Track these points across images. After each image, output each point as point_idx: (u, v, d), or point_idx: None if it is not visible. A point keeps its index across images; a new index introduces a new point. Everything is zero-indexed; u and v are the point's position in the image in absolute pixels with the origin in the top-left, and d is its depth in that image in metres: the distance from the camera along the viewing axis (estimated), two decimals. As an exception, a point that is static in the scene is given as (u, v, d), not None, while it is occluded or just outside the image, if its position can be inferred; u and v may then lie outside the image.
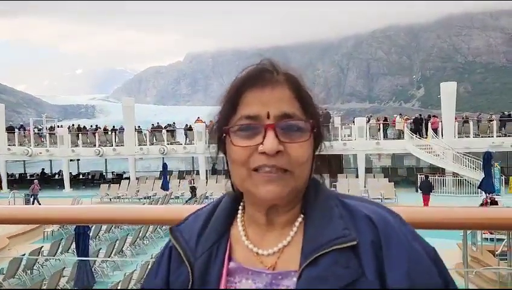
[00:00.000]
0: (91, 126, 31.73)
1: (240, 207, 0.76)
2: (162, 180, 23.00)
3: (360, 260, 0.65)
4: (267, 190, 0.68)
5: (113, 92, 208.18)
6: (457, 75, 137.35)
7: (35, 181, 22.76)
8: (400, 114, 27.34)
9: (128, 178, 27.00)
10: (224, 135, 0.71)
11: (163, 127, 28.98)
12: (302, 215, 0.72)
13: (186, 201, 20.86)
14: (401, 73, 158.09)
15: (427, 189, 19.06)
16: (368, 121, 26.23)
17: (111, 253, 11.21)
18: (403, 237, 0.67)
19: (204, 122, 28.47)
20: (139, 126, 28.78)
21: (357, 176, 24.14)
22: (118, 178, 28.59)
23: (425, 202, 18.55)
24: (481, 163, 19.75)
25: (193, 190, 21.44)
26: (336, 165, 23.41)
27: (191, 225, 0.76)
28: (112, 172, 31.63)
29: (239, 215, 0.75)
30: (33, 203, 21.38)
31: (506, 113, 27.03)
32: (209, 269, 0.71)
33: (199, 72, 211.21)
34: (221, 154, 0.75)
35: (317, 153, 0.73)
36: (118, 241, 11.69)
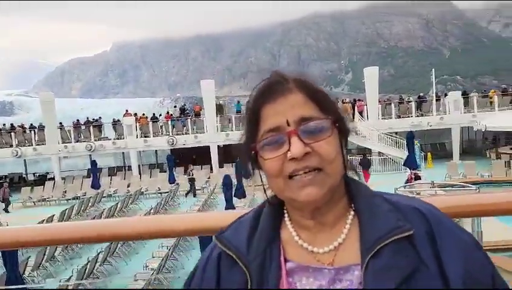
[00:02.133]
0: (4, 125, 29.07)
1: (285, 212, 0.78)
2: (91, 179, 21.79)
3: (417, 249, 0.69)
4: (305, 193, 0.70)
5: (33, 87, 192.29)
6: (381, 59, 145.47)
7: (5, 184, 20.48)
8: (343, 100, 28.21)
9: (53, 179, 25.25)
10: (253, 152, 0.74)
11: (90, 121, 27.38)
12: (352, 212, 0.74)
13: (186, 194, 19.87)
14: (330, 59, 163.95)
15: (366, 165, 20.47)
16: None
17: (41, 260, 10.41)
18: (450, 227, 0.72)
19: (135, 114, 27.36)
20: (60, 123, 26.90)
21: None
22: (41, 179, 26.61)
23: (365, 176, 19.93)
24: (402, 141, 21.11)
25: (192, 181, 20.27)
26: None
27: (235, 232, 0.78)
28: (34, 173, 29.33)
29: (286, 219, 0.78)
30: (5, 210, 19.42)
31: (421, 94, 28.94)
32: (266, 270, 0.72)
33: (128, 63, 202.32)
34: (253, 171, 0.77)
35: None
36: (48, 247, 10.83)
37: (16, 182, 27.53)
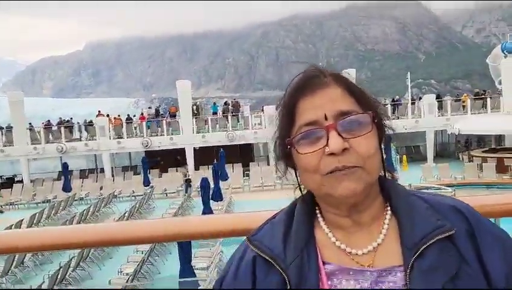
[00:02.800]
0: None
1: (318, 212, 0.76)
2: (62, 181, 21.12)
3: (458, 248, 0.68)
4: (343, 187, 0.67)
5: (2, 85, 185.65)
6: (359, 62, 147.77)
7: None
8: None
9: (21, 181, 24.28)
10: (288, 147, 0.72)
11: (61, 122, 26.48)
12: (389, 212, 0.73)
13: (185, 194, 19.31)
14: (308, 60, 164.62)
15: None
16: (277, 109, 26.75)
17: (10, 266, 9.97)
18: (488, 225, 0.72)
19: (108, 115, 26.62)
20: (30, 123, 25.90)
21: (268, 164, 24.49)
22: (9, 182, 25.53)
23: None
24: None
25: (188, 182, 19.90)
26: (246, 154, 23.56)
27: (269, 234, 0.75)
28: (1, 176, 28.11)
29: (320, 220, 0.75)
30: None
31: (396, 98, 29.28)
32: (305, 273, 0.70)
33: (102, 62, 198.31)
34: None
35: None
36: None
37: (-19, 185, 26.33)
